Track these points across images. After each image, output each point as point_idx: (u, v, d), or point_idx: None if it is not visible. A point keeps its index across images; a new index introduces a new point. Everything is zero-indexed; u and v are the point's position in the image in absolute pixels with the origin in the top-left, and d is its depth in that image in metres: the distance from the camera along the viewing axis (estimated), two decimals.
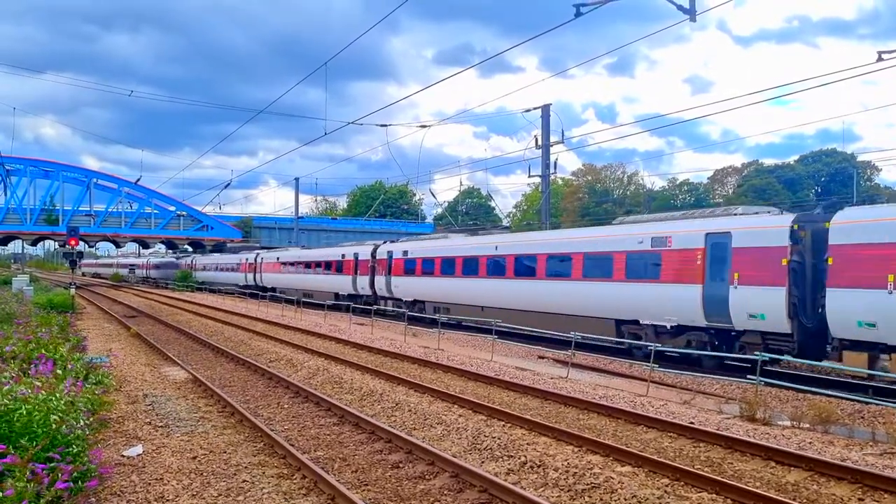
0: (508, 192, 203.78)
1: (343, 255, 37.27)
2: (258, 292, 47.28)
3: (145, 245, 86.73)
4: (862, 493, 7.61)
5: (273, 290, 47.33)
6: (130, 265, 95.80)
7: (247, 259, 53.62)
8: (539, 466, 8.54)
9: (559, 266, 21.32)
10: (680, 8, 17.33)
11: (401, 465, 8.75)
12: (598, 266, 19.53)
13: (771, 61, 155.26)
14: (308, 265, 42.63)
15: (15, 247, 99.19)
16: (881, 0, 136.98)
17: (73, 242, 32.50)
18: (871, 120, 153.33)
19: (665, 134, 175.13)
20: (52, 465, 6.18)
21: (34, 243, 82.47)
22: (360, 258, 35.10)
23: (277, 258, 48.16)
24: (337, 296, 36.91)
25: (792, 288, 14.69)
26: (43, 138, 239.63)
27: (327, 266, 39.34)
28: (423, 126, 35.34)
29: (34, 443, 6.53)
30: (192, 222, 72.31)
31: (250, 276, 52.24)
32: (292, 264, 45.19)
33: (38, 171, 66.95)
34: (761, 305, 15.07)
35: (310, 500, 7.45)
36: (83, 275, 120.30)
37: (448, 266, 27.45)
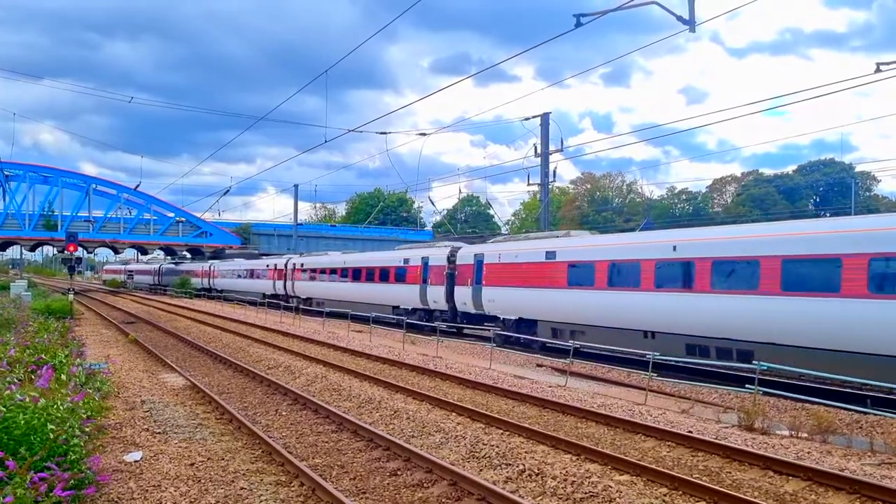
0: (506, 201, 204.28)
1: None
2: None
3: (144, 251, 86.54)
4: (860, 503, 7.62)
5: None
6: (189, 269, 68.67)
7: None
8: (537, 475, 8.54)
9: None
10: (680, 19, 17.45)
11: (399, 473, 8.74)
12: None
13: (765, 73, 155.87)
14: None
15: (14, 252, 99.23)
16: (873, 13, 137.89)
17: (71, 248, 32.52)
18: (867, 130, 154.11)
19: (661, 143, 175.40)
20: (50, 472, 6.16)
21: (33, 249, 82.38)
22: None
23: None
24: None
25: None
26: (42, 144, 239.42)
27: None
28: (422, 134, 35.56)
29: (32, 451, 6.51)
30: (190, 228, 72.23)
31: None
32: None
33: (38, 177, 67.00)
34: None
35: None
36: (103, 282, 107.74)
37: None
